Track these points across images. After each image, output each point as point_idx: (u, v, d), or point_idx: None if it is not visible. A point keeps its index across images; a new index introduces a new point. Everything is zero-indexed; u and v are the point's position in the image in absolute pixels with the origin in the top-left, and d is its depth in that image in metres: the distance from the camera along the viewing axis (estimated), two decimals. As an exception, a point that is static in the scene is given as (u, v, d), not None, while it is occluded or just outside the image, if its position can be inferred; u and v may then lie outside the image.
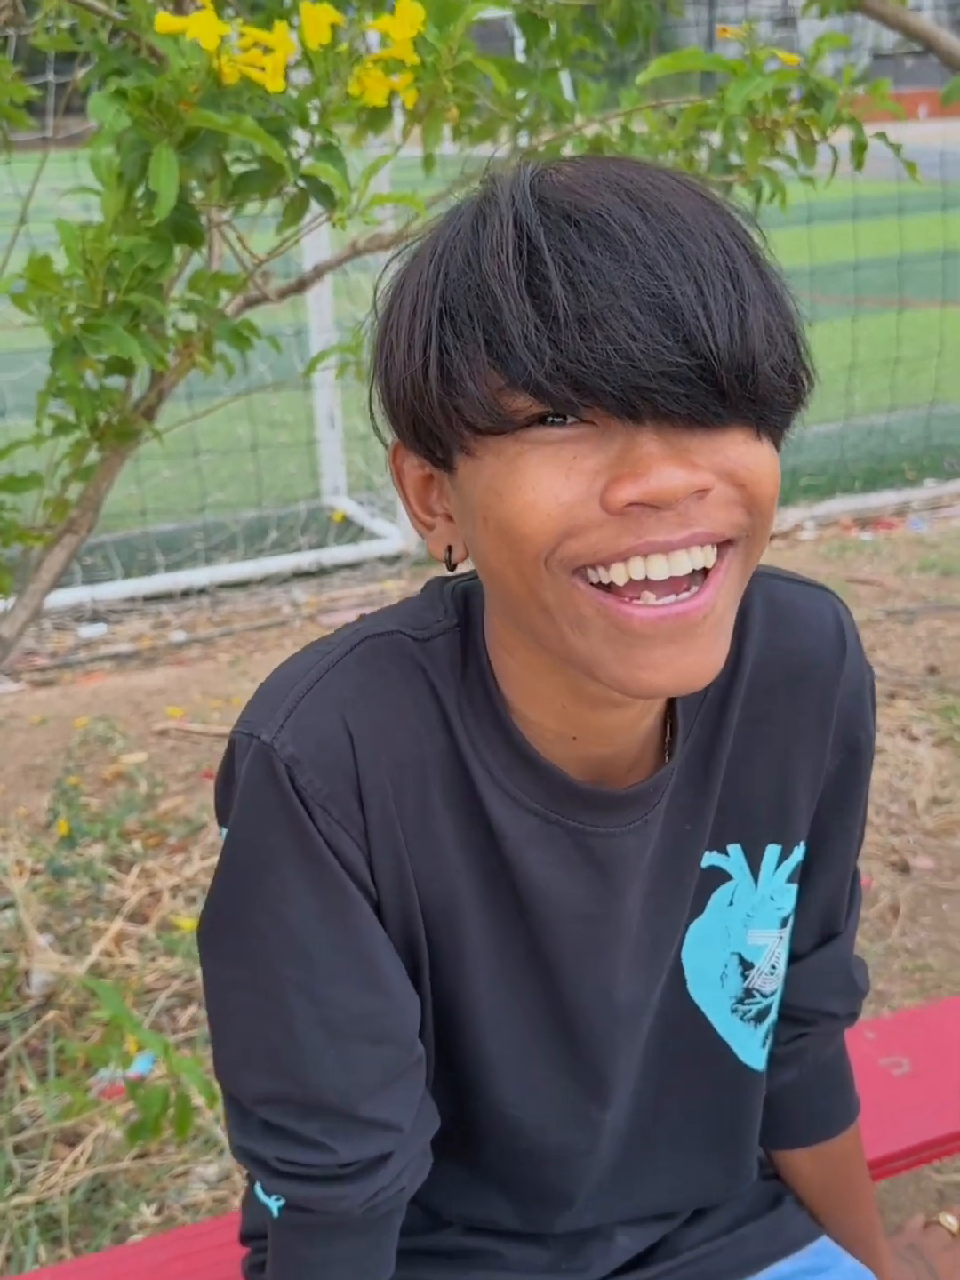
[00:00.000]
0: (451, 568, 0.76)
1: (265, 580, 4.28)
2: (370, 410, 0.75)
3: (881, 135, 1.46)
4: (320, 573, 4.35)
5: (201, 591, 4.19)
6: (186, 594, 4.19)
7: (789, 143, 1.61)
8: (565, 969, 0.85)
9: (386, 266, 0.73)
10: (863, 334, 5.58)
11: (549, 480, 0.64)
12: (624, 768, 0.82)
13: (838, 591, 0.91)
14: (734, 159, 1.83)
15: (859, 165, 1.42)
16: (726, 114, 1.30)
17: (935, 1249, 1.10)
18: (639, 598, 0.66)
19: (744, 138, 1.45)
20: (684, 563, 0.65)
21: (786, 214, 1.78)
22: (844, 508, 4.87)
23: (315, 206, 1.49)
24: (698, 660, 0.67)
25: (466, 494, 0.69)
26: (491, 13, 1.71)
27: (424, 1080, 0.85)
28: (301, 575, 4.32)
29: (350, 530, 4.67)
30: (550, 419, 0.64)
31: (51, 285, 1.31)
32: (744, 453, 0.66)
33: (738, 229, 0.67)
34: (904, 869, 2.53)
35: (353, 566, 4.41)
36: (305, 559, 4.37)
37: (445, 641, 0.80)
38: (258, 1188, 0.84)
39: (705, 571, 0.67)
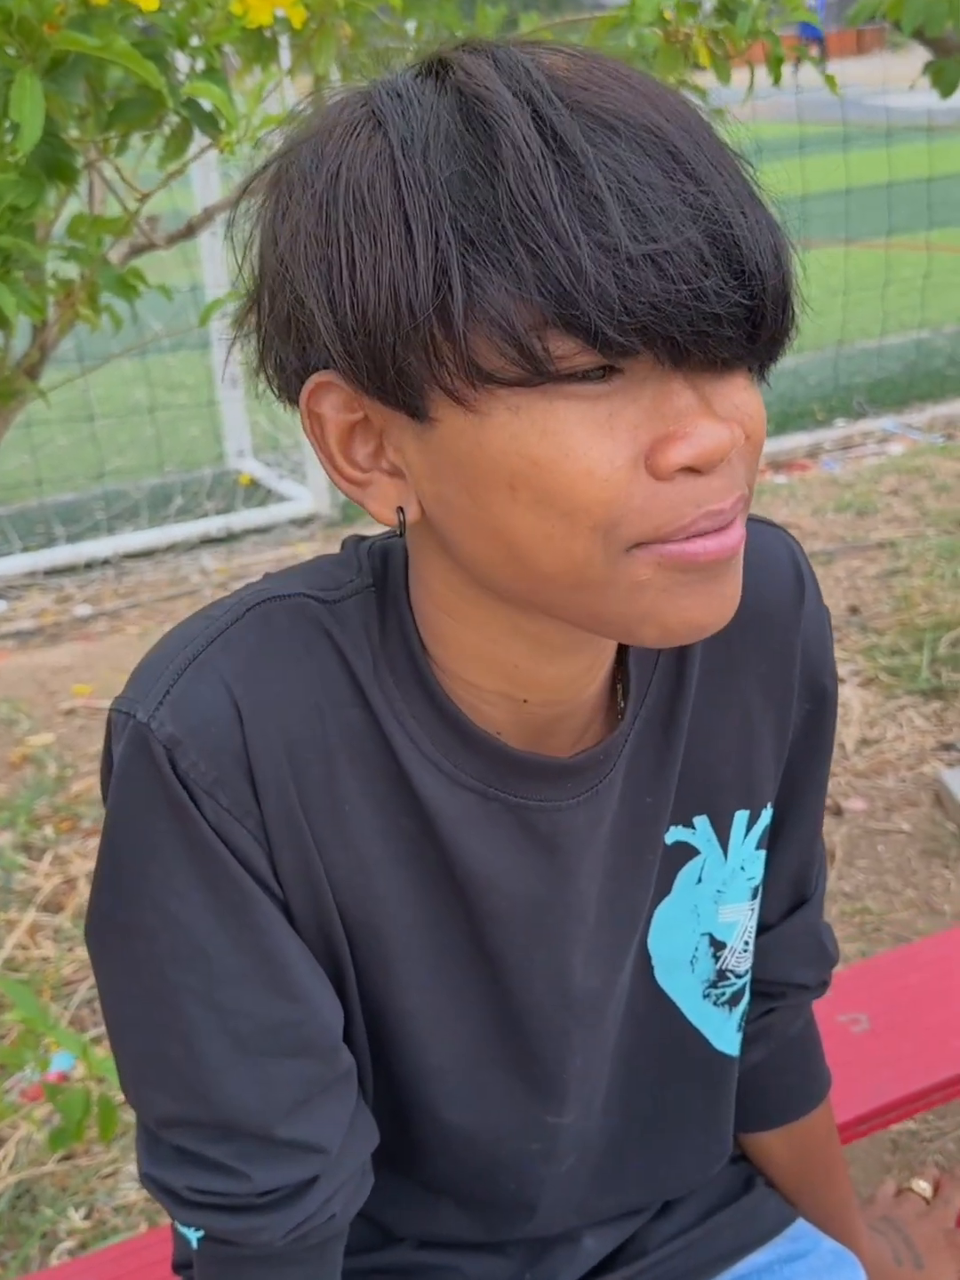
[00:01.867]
0: (401, 533, 0.63)
1: (172, 548, 4.14)
2: (258, 335, 0.63)
3: (799, 49, 1.38)
4: (229, 538, 4.22)
5: (105, 563, 4.04)
6: (89, 566, 4.03)
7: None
8: (512, 962, 0.76)
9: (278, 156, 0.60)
10: (768, 276, 5.54)
11: (598, 444, 0.55)
12: (571, 734, 0.73)
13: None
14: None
15: (776, 79, 1.35)
16: (637, 23, 1.22)
17: (909, 1217, 1.05)
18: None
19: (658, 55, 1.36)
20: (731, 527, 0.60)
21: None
22: (757, 451, 4.85)
23: (201, 140, 1.38)
24: (731, 592, 0.61)
25: (462, 454, 0.57)
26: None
27: (355, 1094, 0.76)
28: (210, 542, 4.19)
29: (258, 493, 4.54)
30: (591, 372, 0.55)
31: (-88, 231, 1.19)
32: (748, 400, 0.59)
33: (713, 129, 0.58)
34: (838, 812, 2.51)
35: (263, 531, 4.28)
36: (213, 525, 4.24)
37: (358, 603, 0.70)
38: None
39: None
